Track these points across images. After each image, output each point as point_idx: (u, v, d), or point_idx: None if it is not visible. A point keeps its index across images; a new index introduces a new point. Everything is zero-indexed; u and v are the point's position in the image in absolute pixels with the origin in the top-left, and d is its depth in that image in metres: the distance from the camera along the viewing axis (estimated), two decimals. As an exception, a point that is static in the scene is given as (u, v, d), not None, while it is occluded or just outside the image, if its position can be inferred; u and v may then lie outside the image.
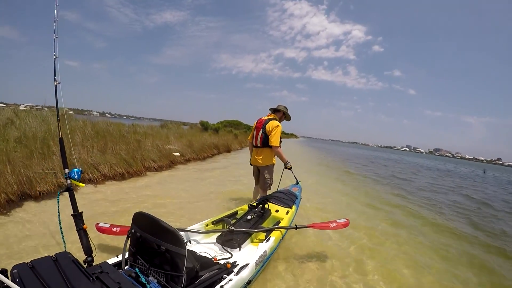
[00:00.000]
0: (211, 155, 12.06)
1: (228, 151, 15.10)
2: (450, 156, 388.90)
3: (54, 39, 2.51)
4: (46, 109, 10.50)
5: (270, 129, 4.27)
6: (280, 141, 4.36)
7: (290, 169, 4.60)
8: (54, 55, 2.46)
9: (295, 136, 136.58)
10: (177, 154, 9.18)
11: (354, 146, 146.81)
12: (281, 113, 4.57)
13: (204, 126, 19.10)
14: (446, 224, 5.70)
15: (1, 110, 8.47)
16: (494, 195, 12.08)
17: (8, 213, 3.54)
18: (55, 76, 2.43)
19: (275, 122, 4.32)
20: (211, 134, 16.74)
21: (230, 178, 7.68)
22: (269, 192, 4.53)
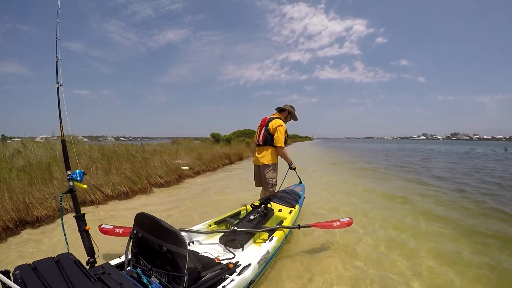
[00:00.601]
0: (222, 165, 11.94)
1: (241, 159, 14.98)
2: (468, 138, 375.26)
3: (56, 41, 2.54)
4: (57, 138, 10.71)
5: (273, 128, 4.15)
6: (285, 142, 4.24)
7: (294, 169, 4.46)
8: (56, 57, 2.50)
9: (310, 138, 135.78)
10: (186, 168, 9.09)
11: (370, 141, 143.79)
12: (286, 113, 4.42)
13: (216, 138, 19.11)
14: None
15: (11, 144, 8.65)
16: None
17: (4, 241, 3.48)
18: (57, 78, 2.46)
19: (279, 121, 4.19)
20: (223, 145, 16.74)
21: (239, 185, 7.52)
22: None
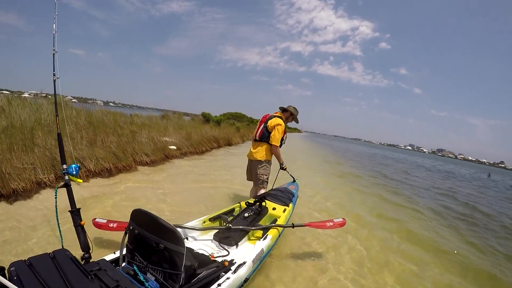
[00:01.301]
0: (210, 149, 11.79)
1: (229, 144, 14.86)
2: (453, 157, 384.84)
3: (54, 34, 2.50)
4: (50, 96, 10.31)
5: (272, 126, 4.24)
6: (283, 142, 4.40)
7: (285, 169, 4.62)
8: (53, 50, 2.47)
9: (299, 131, 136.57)
10: (173, 147, 8.91)
11: (357, 143, 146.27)
12: (288, 113, 4.50)
13: (206, 118, 18.86)
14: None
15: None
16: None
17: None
18: (54, 70, 2.44)
19: (278, 120, 4.27)
20: (212, 126, 16.49)
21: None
22: (263, 190, 4.41)
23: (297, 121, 4.64)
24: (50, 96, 10.23)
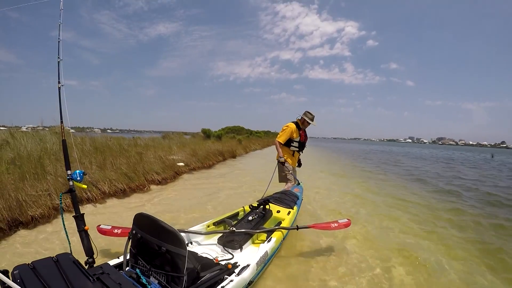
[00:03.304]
0: (216, 162, 11.65)
1: (234, 156, 14.73)
2: (454, 143, 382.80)
3: (59, 41, 2.54)
4: (47, 129, 10.23)
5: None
6: (292, 144, 4.86)
7: (283, 164, 4.87)
8: (58, 57, 2.50)
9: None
10: (181, 164, 8.81)
11: (357, 142, 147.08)
12: (303, 119, 4.87)
13: (207, 134, 18.77)
14: None
15: (-1, 133, 8.13)
16: None
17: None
18: (58, 78, 2.46)
19: (288, 123, 4.85)
20: (214, 141, 16.42)
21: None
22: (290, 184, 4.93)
23: (313, 122, 4.86)
24: (47, 129, 10.14)
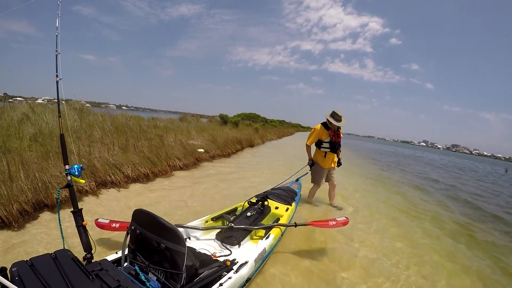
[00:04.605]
0: (235, 151, 11.40)
1: (251, 146, 14.46)
2: (468, 152, 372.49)
3: (57, 35, 2.49)
4: (63, 102, 10.07)
5: None
6: (322, 145, 4.83)
7: (310, 166, 4.97)
8: (56, 51, 2.46)
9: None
10: (202, 150, 8.56)
11: (370, 140, 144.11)
12: (328, 120, 4.77)
13: (224, 120, 18.49)
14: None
15: (18, 104, 8.01)
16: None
17: (21, 228, 2.94)
18: (56, 72, 2.43)
19: (316, 125, 4.88)
20: (231, 127, 16.15)
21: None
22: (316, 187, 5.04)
23: (337, 123, 4.69)
24: (63, 102, 9.94)
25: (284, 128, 40.35)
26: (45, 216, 3.27)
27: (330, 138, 4.76)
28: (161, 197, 4.55)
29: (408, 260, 3.37)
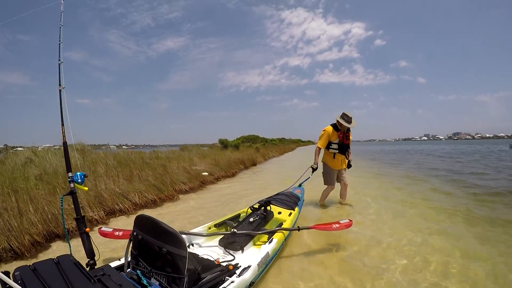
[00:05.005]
0: (238, 171, 11.43)
1: (254, 164, 14.54)
2: (470, 137, 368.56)
3: (59, 44, 2.53)
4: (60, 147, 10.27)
5: None
6: (330, 146, 4.84)
7: (313, 170, 4.85)
8: (59, 60, 2.49)
9: (313, 143, 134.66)
10: (206, 173, 8.61)
11: (372, 143, 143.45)
12: (338, 121, 4.79)
13: (224, 144, 18.66)
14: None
15: (20, 152, 8.15)
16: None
17: (34, 257, 2.94)
18: (59, 81, 2.46)
19: (325, 127, 4.88)
20: (232, 151, 16.27)
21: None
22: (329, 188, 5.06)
23: (347, 124, 4.68)
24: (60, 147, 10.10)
25: (284, 145, 40.43)
26: (56, 245, 3.29)
27: (339, 140, 4.80)
28: (172, 217, 4.57)
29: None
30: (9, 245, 2.87)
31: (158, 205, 5.41)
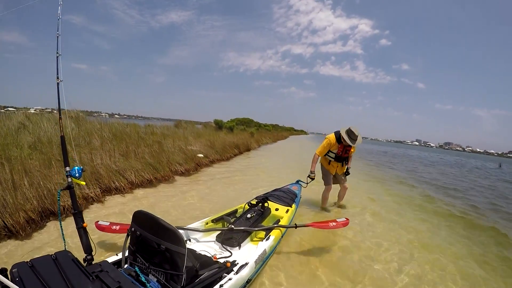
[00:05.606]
0: (233, 155, 11.36)
1: (248, 150, 14.47)
2: (461, 149, 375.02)
3: (57, 36, 2.46)
4: (55, 111, 9.94)
5: None
6: (328, 154, 4.78)
7: (311, 179, 4.76)
8: (57, 52, 2.43)
9: (305, 133, 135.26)
10: (201, 155, 8.49)
11: (364, 142, 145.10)
12: (342, 138, 4.63)
13: (219, 125, 18.46)
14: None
15: (12, 114, 7.86)
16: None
17: (28, 237, 2.84)
18: (57, 74, 2.40)
19: (329, 135, 4.76)
20: (226, 133, 16.13)
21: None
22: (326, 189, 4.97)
23: (350, 143, 4.55)
24: (55, 111, 9.80)
25: (278, 132, 40.38)
26: (52, 224, 3.19)
27: (338, 152, 4.70)
28: (168, 201, 4.51)
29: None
30: (4, 222, 2.75)
31: (153, 185, 5.35)
